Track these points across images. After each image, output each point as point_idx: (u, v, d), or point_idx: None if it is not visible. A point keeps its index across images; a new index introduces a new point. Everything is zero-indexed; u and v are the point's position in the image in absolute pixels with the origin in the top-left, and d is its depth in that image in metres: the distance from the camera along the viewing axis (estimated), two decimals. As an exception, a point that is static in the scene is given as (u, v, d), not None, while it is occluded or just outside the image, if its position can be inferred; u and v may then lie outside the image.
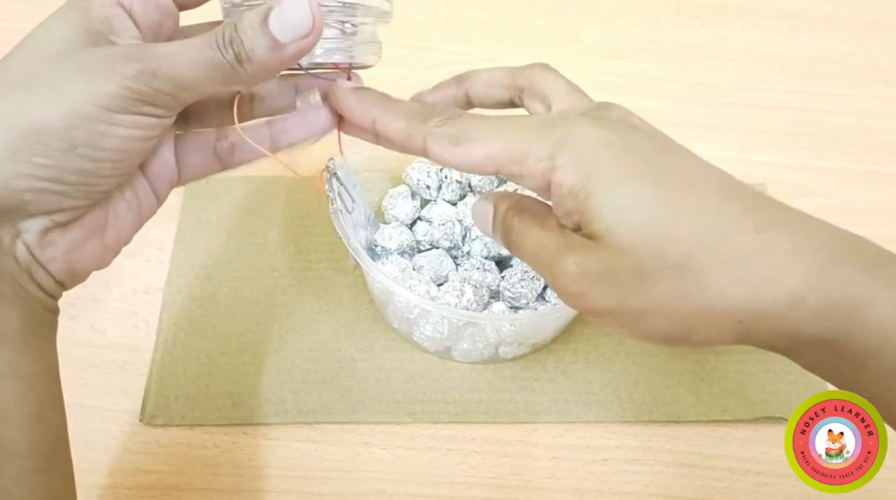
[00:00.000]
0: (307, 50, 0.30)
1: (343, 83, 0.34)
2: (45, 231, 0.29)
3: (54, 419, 0.31)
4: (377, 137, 0.34)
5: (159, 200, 0.34)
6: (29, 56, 0.29)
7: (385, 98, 0.34)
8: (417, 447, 0.42)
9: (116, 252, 0.33)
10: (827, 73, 0.63)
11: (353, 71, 0.35)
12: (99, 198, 0.30)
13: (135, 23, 0.30)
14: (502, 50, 0.63)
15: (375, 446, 0.42)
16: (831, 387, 0.45)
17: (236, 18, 0.29)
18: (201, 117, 0.35)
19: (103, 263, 0.33)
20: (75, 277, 0.32)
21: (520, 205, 0.33)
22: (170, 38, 0.33)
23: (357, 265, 0.42)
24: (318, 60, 0.33)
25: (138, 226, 0.34)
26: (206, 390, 0.43)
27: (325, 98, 0.35)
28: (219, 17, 0.34)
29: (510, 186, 0.47)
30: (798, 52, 0.64)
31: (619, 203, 0.27)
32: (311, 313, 0.46)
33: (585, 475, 0.41)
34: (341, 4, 0.32)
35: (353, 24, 0.33)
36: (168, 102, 0.29)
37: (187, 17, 0.34)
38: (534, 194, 0.31)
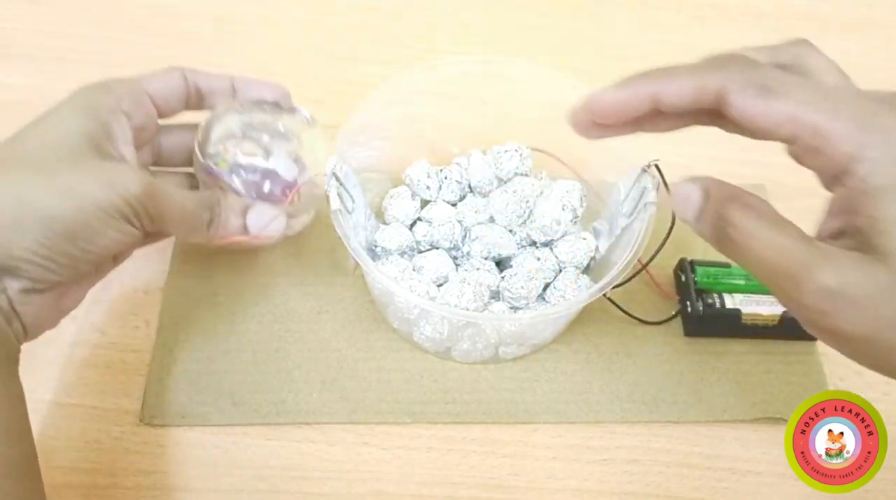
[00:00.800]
0: (266, 244, 0.42)
1: (603, 90, 0.33)
2: (26, 291, 0.33)
3: (30, 439, 0.34)
4: (640, 122, 0.33)
5: (117, 263, 0.40)
6: (43, 145, 0.34)
7: (654, 69, 0.32)
8: (417, 448, 0.42)
9: (66, 314, 0.38)
10: (827, 74, 0.63)
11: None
12: (76, 277, 0.35)
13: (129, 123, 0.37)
14: (502, 50, 0.63)
15: (375, 446, 0.42)
16: (832, 387, 0.45)
17: (221, 196, 0.39)
18: None
19: (55, 323, 0.37)
20: (38, 331, 0.36)
21: (743, 199, 0.30)
22: (151, 138, 0.41)
23: (357, 266, 0.42)
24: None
25: (88, 290, 0.39)
26: (206, 390, 0.43)
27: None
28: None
29: (510, 187, 0.47)
30: (798, 52, 0.64)
31: None
32: (311, 313, 0.46)
33: (585, 475, 0.41)
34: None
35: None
36: (149, 223, 0.35)
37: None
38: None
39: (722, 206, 0.30)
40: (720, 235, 0.30)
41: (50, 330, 0.39)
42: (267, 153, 0.40)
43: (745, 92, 0.29)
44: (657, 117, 0.33)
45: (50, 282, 0.34)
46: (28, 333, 0.35)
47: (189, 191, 0.38)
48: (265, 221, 0.39)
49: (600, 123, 0.33)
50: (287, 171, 0.40)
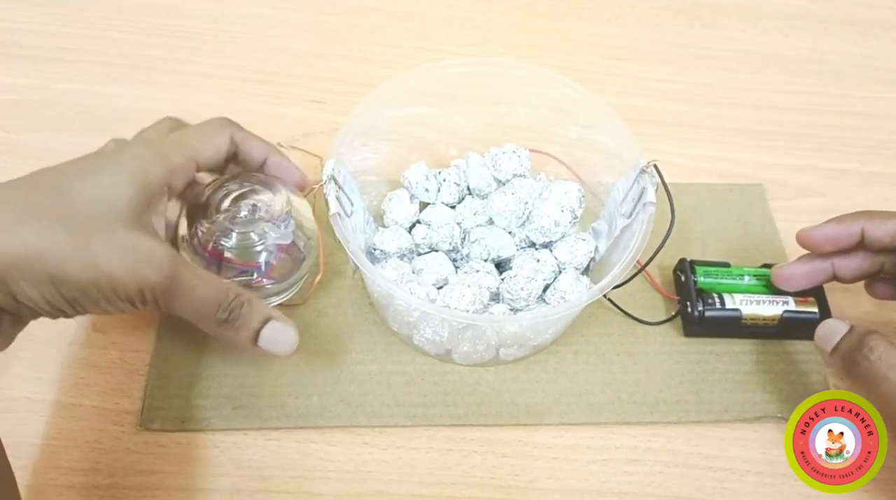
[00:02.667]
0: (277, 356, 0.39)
1: (817, 225, 0.42)
2: (14, 325, 0.34)
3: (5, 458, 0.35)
4: (843, 254, 0.42)
5: None
6: (88, 205, 0.33)
7: (862, 211, 0.42)
8: (417, 448, 0.42)
9: None
10: (827, 74, 0.63)
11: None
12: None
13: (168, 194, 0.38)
14: (502, 50, 0.63)
15: (375, 446, 0.42)
16: (832, 387, 0.45)
17: (246, 301, 0.37)
18: None
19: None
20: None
21: (886, 336, 0.37)
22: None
23: (356, 269, 0.42)
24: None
25: None
26: (206, 395, 0.42)
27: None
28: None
29: (509, 189, 0.47)
30: (798, 52, 0.64)
31: None
32: (310, 317, 0.46)
33: (585, 475, 0.41)
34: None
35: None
36: (153, 307, 0.35)
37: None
38: None
39: (865, 336, 0.37)
40: (855, 358, 0.37)
41: (51, 330, 0.39)
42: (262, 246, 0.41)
43: None
44: (856, 254, 0.42)
45: (37, 319, 0.35)
46: None
47: (209, 285, 0.36)
48: (278, 339, 0.37)
49: (815, 252, 0.43)
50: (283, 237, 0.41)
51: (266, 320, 0.37)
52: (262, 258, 0.40)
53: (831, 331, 0.39)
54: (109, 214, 0.33)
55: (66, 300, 0.33)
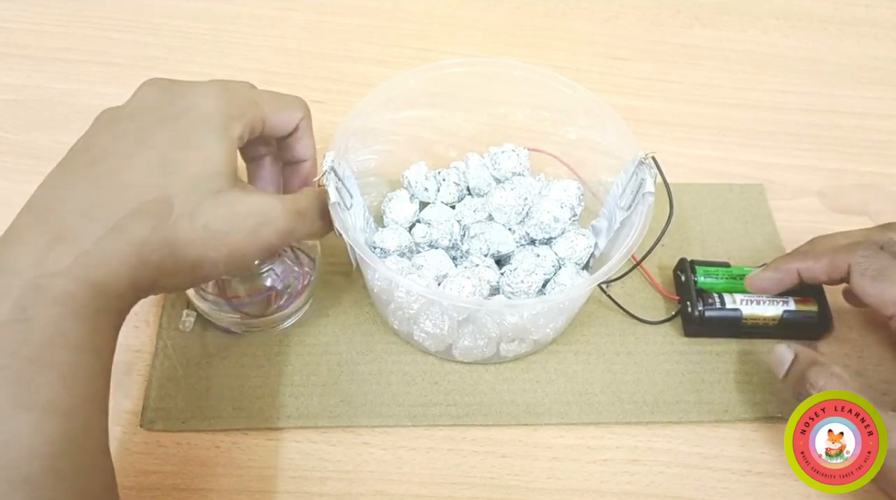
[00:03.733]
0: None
1: (759, 273, 0.44)
2: None
3: None
4: (783, 285, 0.44)
5: None
6: (198, 178, 0.34)
7: (797, 251, 0.44)
8: (417, 448, 0.42)
9: None
10: (827, 74, 0.63)
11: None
12: None
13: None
14: (502, 50, 0.63)
15: (375, 446, 0.42)
16: (831, 387, 0.45)
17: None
18: None
19: None
20: None
21: (828, 368, 0.38)
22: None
23: (357, 267, 0.42)
24: None
25: None
26: (206, 395, 0.42)
27: None
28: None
29: (509, 185, 0.47)
30: (798, 52, 0.64)
31: None
32: (310, 317, 0.46)
33: (585, 475, 0.41)
34: None
35: None
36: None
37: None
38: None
39: (809, 370, 0.38)
40: (801, 390, 0.38)
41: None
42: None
43: (861, 275, 0.39)
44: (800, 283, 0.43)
45: None
46: None
47: (313, 204, 0.38)
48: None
49: (766, 294, 0.45)
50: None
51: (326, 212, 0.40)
52: (269, 283, 0.43)
53: (779, 360, 0.40)
54: (217, 180, 0.34)
55: (201, 279, 0.36)
